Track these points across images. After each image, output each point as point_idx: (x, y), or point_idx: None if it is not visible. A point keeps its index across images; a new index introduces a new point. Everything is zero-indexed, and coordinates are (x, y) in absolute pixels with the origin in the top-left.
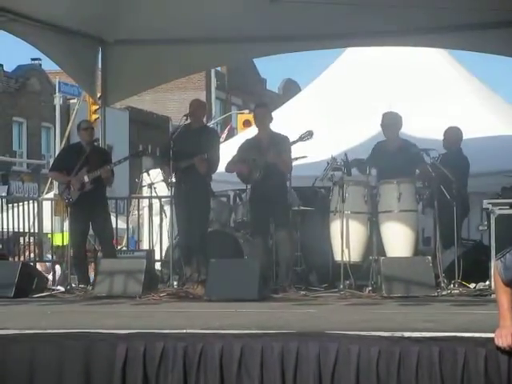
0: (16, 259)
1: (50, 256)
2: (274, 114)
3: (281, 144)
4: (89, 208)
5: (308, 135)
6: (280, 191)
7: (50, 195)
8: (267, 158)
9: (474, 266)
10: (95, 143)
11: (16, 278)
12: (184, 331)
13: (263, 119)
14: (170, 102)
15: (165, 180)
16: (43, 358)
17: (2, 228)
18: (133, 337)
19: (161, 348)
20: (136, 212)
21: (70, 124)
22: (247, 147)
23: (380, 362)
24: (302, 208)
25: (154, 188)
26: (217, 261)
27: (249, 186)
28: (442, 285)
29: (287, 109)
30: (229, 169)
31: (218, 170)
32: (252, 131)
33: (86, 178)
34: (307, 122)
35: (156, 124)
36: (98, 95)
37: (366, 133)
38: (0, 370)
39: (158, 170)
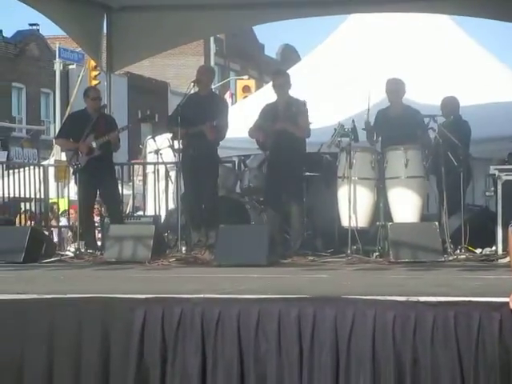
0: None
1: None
2: None
3: (296, 108)
4: (96, 174)
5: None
6: (294, 160)
7: (51, 161)
8: (278, 125)
9: (480, 231)
10: (101, 110)
11: (25, 244)
12: (201, 296)
13: (283, 86)
14: (169, 68)
15: (172, 146)
16: (62, 322)
17: (3, 194)
18: (151, 302)
19: (179, 313)
20: (141, 178)
21: (76, 91)
22: (265, 113)
23: (396, 327)
24: (308, 174)
25: (160, 154)
26: (226, 226)
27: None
28: (449, 250)
29: (290, 76)
30: (250, 134)
31: None
32: (251, 97)
33: (93, 144)
34: (312, 88)
35: (154, 90)
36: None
37: (373, 99)
38: (20, 334)
39: (164, 136)
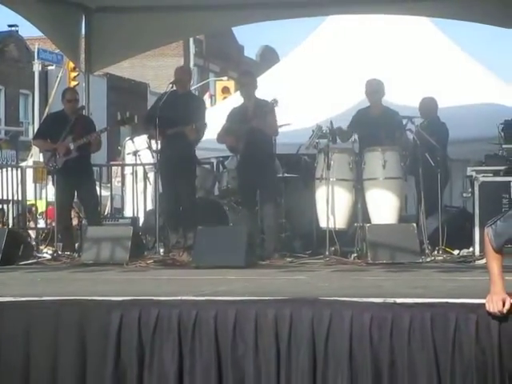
0: None
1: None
2: None
3: (265, 108)
4: (74, 175)
5: (273, 103)
6: (266, 160)
7: (29, 163)
8: (252, 123)
9: (458, 232)
10: (79, 111)
11: (2, 245)
12: (178, 298)
13: (248, 87)
14: (148, 69)
15: (150, 147)
16: (39, 325)
17: None
18: (127, 304)
19: (155, 315)
20: (119, 179)
21: (54, 92)
22: (234, 116)
23: (373, 328)
24: (286, 175)
25: (139, 155)
26: (204, 228)
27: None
28: (427, 251)
29: (269, 77)
30: (219, 140)
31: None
32: (231, 99)
33: (71, 146)
34: (290, 89)
35: (134, 91)
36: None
37: (350, 100)
38: None
39: (143, 137)
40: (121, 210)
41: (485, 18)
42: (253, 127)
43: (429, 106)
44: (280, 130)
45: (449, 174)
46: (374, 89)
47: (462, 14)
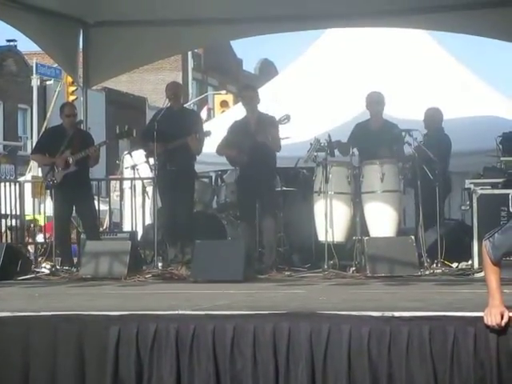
0: None
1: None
2: None
3: (268, 123)
4: (72, 190)
5: (286, 118)
6: (267, 175)
7: (28, 177)
8: (257, 138)
9: (457, 245)
10: (77, 126)
11: (0, 260)
12: (176, 312)
13: (251, 101)
14: (146, 83)
15: (148, 161)
16: (37, 340)
17: None
18: (125, 318)
19: (153, 329)
20: (118, 193)
21: (52, 106)
22: (236, 129)
23: (371, 342)
24: (285, 189)
25: (137, 169)
26: (202, 242)
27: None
28: (425, 264)
29: (267, 90)
30: (219, 152)
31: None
32: (229, 112)
33: (70, 160)
34: (288, 103)
35: (132, 105)
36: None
37: (348, 113)
38: None
39: (141, 152)
40: (119, 225)
41: (485, 31)
42: (257, 141)
43: (433, 117)
44: None
45: (450, 186)
46: (375, 100)
47: (461, 27)
